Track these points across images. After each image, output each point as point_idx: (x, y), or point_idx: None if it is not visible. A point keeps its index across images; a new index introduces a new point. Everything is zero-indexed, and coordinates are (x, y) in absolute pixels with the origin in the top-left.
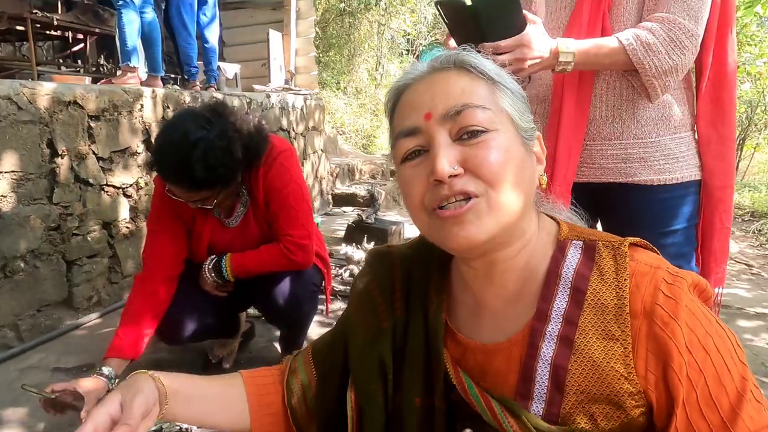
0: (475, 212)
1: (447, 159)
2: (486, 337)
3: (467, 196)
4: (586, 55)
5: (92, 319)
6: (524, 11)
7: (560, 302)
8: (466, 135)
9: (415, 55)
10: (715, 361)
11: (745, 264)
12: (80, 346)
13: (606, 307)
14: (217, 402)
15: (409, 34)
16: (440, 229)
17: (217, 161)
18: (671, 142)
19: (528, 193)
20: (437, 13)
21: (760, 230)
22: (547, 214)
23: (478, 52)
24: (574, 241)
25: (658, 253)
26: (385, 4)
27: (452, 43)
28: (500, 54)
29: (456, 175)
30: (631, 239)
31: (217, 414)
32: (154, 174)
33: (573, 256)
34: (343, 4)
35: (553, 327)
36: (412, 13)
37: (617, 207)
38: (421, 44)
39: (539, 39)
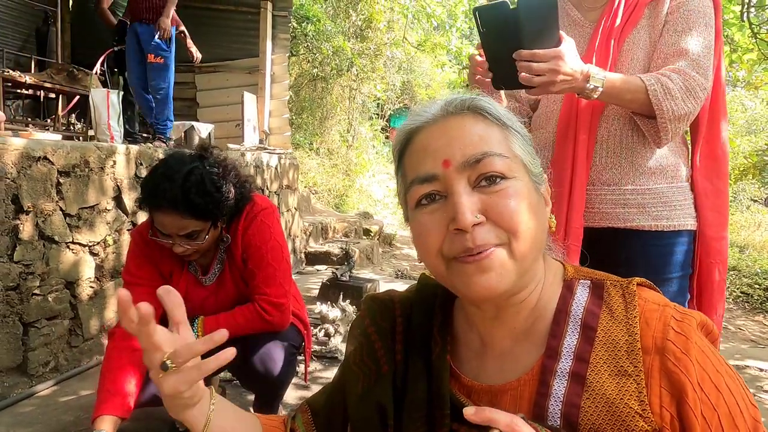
0: (498, 259)
1: (470, 209)
2: (491, 378)
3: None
4: (612, 87)
5: (48, 387)
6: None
7: (570, 339)
8: (485, 182)
9: (385, 119)
10: (727, 400)
11: None
12: (33, 418)
13: (617, 343)
14: (248, 420)
15: (379, 99)
16: (461, 276)
17: (213, 186)
18: (669, 191)
19: (543, 238)
20: (474, 20)
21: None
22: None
23: (514, 60)
24: (582, 281)
25: (662, 295)
26: (357, 70)
27: (478, 58)
28: (536, 63)
29: (478, 224)
30: (638, 279)
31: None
32: (128, 229)
33: (582, 295)
34: (316, 70)
35: (564, 364)
36: (382, 80)
37: (611, 252)
38: (390, 109)
39: (573, 57)
